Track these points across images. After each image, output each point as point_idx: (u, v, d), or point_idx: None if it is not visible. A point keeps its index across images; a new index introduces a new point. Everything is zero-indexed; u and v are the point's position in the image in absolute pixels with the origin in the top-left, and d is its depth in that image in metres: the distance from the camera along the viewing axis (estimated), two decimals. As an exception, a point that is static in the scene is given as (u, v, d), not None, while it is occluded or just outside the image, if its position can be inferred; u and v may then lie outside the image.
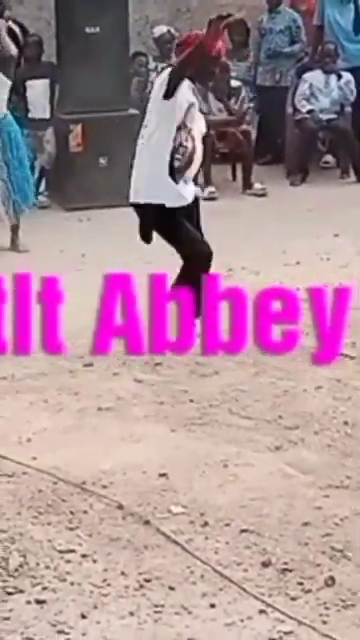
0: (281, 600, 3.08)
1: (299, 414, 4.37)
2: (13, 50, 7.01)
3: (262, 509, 3.58)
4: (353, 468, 3.90)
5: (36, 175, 8.56)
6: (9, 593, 3.12)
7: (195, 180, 5.36)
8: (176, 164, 5.10)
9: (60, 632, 2.95)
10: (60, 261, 6.77)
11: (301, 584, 3.16)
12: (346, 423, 4.28)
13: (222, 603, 3.07)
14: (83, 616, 3.01)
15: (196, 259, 5.15)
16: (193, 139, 5.15)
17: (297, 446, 4.10)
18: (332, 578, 3.17)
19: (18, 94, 8.43)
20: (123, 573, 3.22)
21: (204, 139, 8.70)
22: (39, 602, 3.08)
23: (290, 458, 3.99)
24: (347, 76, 9.53)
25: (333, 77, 9.53)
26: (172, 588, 3.15)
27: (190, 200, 5.18)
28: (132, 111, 8.16)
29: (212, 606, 3.06)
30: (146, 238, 5.17)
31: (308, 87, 9.53)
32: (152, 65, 9.25)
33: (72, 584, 3.17)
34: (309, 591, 3.12)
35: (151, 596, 3.11)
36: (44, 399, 4.58)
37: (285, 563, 3.26)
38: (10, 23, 6.93)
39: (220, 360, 4.98)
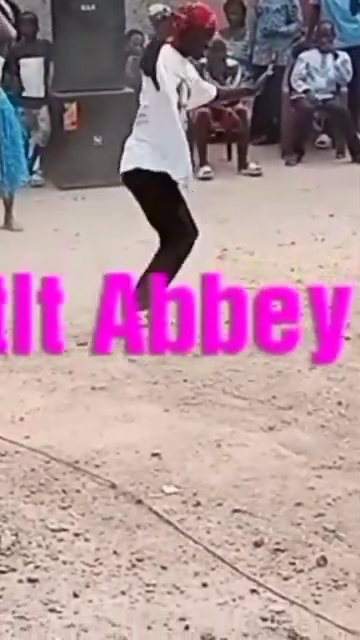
0: (273, 580, 3.08)
1: (293, 394, 4.37)
2: (12, 32, 6.94)
3: (255, 489, 3.58)
4: (346, 449, 3.90)
5: (30, 154, 8.52)
6: (1, 572, 3.12)
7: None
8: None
9: (52, 611, 2.94)
10: (54, 240, 6.75)
11: (293, 564, 3.16)
12: (340, 403, 4.28)
13: (214, 583, 3.07)
14: (75, 595, 3.01)
15: (184, 236, 5.11)
16: (183, 116, 5.14)
17: (290, 426, 4.10)
18: (324, 558, 3.17)
19: (12, 72, 8.39)
20: (115, 552, 3.22)
21: (199, 117, 8.72)
22: (31, 581, 3.08)
23: (283, 438, 3.98)
24: (343, 56, 9.49)
25: (329, 57, 9.50)
26: (164, 567, 3.15)
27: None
28: (127, 90, 8.11)
29: (204, 585, 3.06)
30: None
31: (304, 67, 9.50)
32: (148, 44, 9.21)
33: (64, 563, 3.17)
34: (301, 571, 3.12)
35: (143, 575, 3.11)
36: (38, 378, 4.57)
37: (277, 543, 3.26)
38: (2, 2, 6.85)
39: (214, 340, 4.98)
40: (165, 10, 9.25)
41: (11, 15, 7.01)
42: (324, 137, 9.80)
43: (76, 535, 3.32)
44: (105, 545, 3.26)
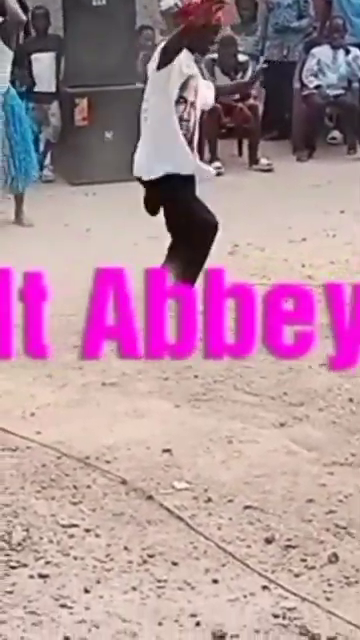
0: (284, 576, 3.08)
1: (304, 391, 4.36)
2: (22, 16, 6.89)
3: (266, 485, 3.57)
4: (358, 445, 3.88)
5: (41, 149, 8.53)
6: (12, 567, 3.12)
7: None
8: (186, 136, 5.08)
9: (63, 606, 2.94)
10: (65, 235, 6.75)
11: (304, 561, 3.15)
12: (351, 400, 4.27)
13: (225, 579, 3.07)
14: (86, 590, 3.01)
15: (205, 228, 5.10)
16: (195, 112, 5.12)
17: (302, 423, 4.09)
18: (335, 555, 3.16)
19: (23, 67, 8.39)
20: (126, 548, 3.22)
21: (210, 113, 8.72)
22: (42, 576, 3.08)
23: (294, 435, 3.98)
24: (355, 51, 9.46)
25: (341, 52, 9.47)
26: (175, 563, 3.14)
27: (202, 174, 5.16)
28: (138, 85, 8.06)
29: (215, 582, 3.06)
30: (153, 211, 5.14)
31: (316, 62, 9.47)
32: (159, 39, 9.19)
33: (75, 558, 3.17)
34: (312, 568, 3.12)
35: (154, 571, 3.10)
36: (48, 374, 4.57)
37: (288, 540, 3.25)
38: None
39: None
40: (176, 5, 9.24)
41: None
42: (335, 133, 9.77)
43: (87, 531, 3.32)
44: (116, 541, 3.26)
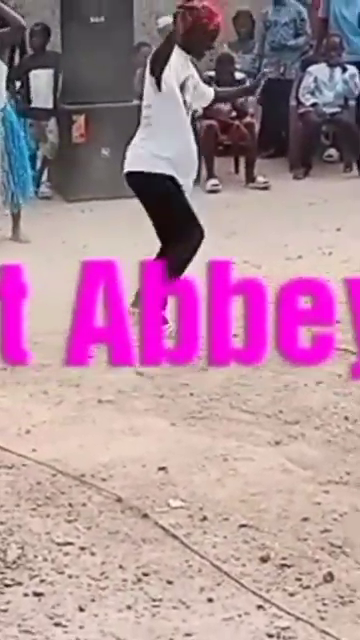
0: (279, 595, 3.07)
1: (300, 409, 4.36)
2: (22, 21, 6.86)
3: (261, 504, 3.57)
4: (353, 464, 3.88)
5: (38, 165, 8.55)
6: (7, 585, 3.11)
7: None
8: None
9: (57, 625, 2.94)
10: (62, 252, 6.76)
11: (299, 580, 3.15)
12: (347, 418, 4.27)
13: (220, 598, 3.06)
14: (81, 609, 3.00)
15: (194, 233, 5.12)
16: (190, 112, 5.18)
17: (297, 441, 4.09)
18: (331, 574, 3.16)
19: (21, 83, 8.43)
20: (121, 566, 3.22)
21: (207, 130, 8.74)
22: (37, 594, 3.07)
23: (290, 453, 3.97)
24: (352, 69, 9.51)
25: (338, 70, 9.52)
26: (170, 582, 3.14)
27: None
28: (135, 102, 8.12)
29: (210, 601, 3.05)
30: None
31: (313, 80, 9.52)
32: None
33: (70, 577, 3.17)
34: (307, 587, 3.11)
35: (149, 590, 3.10)
36: (44, 390, 4.57)
37: (284, 558, 3.25)
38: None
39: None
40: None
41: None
42: (332, 151, 9.81)
43: (82, 549, 3.31)
44: (111, 559, 3.26)
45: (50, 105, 8.83)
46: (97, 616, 2.98)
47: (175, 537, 3.36)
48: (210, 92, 5.47)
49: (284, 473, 3.81)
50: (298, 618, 2.95)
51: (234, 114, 9.04)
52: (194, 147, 5.17)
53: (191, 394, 4.51)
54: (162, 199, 5.10)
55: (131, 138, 5.30)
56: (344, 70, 9.51)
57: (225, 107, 8.94)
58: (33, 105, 8.77)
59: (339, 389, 4.57)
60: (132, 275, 5.35)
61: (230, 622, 2.95)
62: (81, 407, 4.39)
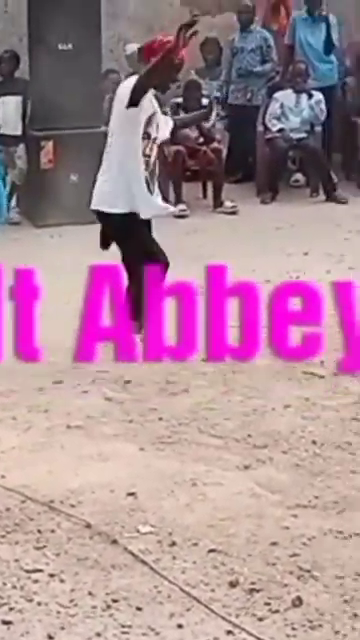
0: (248, 620, 3.08)
1: (268, 433, 4.38)
2: None
3: (230, 529, 3.58)
4: (321, 488, 3.91)
5: (7, 191, 8.56)
6: (-25, 614, 3.10)
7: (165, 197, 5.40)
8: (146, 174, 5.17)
9: (26, 653, 2.93)
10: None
11: (268, 604, 3.16)
12: (314, 442, 4.30)
13: (189, 624, 3.06)
14: (50, 637, 3.00)
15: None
16: (155, 148, 5.22)
17: (266, 465, 4.11)
18: (299, 598, 3.17)
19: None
20: (90, 593, 3.21)
21: (174, 156, 8.81)
22: (5, 623, 3.06)
23: (259, 477, 3.99)
24: (318, 96, 9.61)
25: (304, 96, 9.61)
26: (139, 608, 3.14)
27: (161, 211, 5.26)
28: (104, 128, 8.16)
29: (179, 627, 3.05)
30: (106, 245, 5.23)
31: (279, 106, 9.61)
32: (124, 82, 9.29)
33: (39, 604, 3.16)
34: (276, 611, 3.12)
35: (118, 616, 3.10)
36: (13, 416, 4.56)
37: (253, 583, 3.26)
38: None
39: (190, 378, 4.99)
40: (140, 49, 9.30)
41: None
42: (298, 176, 9.90)
43: (51, 576, 3.31)
44: (80, 586, 3.25)
45: (19, 132, 8.85)
46: (66, 643, 2.97)
47: (144, 563, 3.36)
48: (169, 122, 5.55)
49: (253, 497, 3.83)
50: (267, 643, 2.96)
51: (201, 140, 9.11)
52: (142, 177, 5.18)
53: (160, 419, 4.53)
54: (121, 235, 5.17)
55: (99, 164, 5.34)
56: (310, 96, 9.60)
57: (192, 133, 9.00)
58: (2, 132, 8.78)
59: (307, 413, 4.60)
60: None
61: (200, 648, 2.96)
62: (50, 433, 4.39)
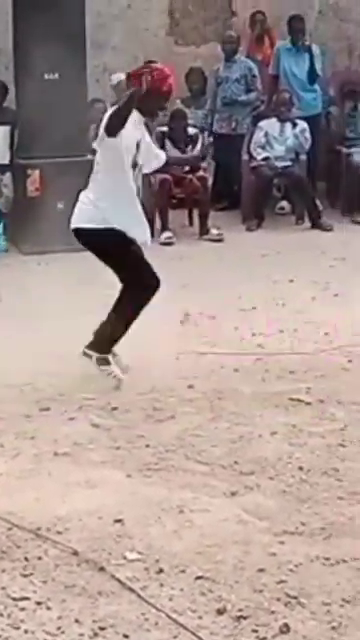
0: (236, 647, 3.08)
1: (255, 459, 4.39)
2: None
3: (217, 555, 3.58)
4: (308, 514, 3.91)
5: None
6: None
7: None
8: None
9: None
10: (18, 305, 6.76)
11: (256, 631, 3.15)
12: (301, 469, 4.30)
13: (177, 651, 3.06)
14: (37, 665, 2.99)
15: (142, 283, 5.18)
16: (141, 175, 5.27)
17: (253, 492, 4.11)
18: (287, 625, 3.17)
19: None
20: (77, 621, 3.20)
21: (161, 184, 8.87)
22: (-8, 651, 3.05)
23: (246, 504, 3.99)
24: (302, 124, 9.69)
25: (288, 125, 9.69)
26: (126, 636, 3.13)
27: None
28: (90, 157, 8.20)
29: (167, 654, 3.05)
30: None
31: (264, 135, 9.68)
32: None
33: (26, 632, 3.15)
34: (264, 638, 3.12)
35: (106, 644, 3.09)
36: (0, 443, 4.55)
37: (240, 610, 3.26)
38: None
39: (176, 405, 5.00)
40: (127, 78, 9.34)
41: None
42: (284, 203, 9.95)
43: (38, 603, 3.29)
44: (67, 613, 3.24)
45: (6, 160, 8.88)
46: (53, 672, 2.96)
47: (132, 590, 3.36)
48: (162, 156, 5.60)
49: (240, 524, 3.83)
50: (255, 669, 2.96)
51: (187, 168, 9.16)
52: (135, 203, 5.22)
53: (147, 446, 4.53)
54: (104, 251, 5.20)
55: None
56: (294, 125, 9.68)
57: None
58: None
59: (294, 439, 4.61)
60: (89, 325, 5.41)
61: (187, 675, 2.95)
62: (37, 460, 4.38)
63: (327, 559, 3.56)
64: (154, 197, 8.72)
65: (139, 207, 5.24)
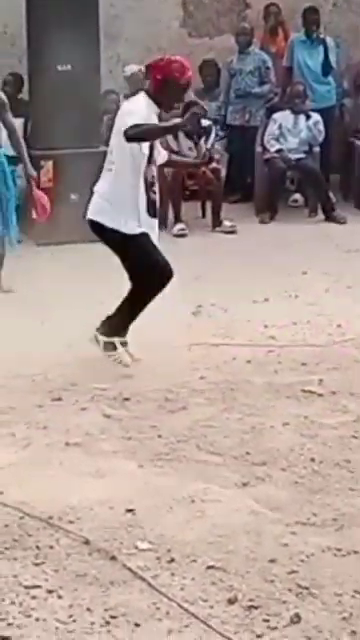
0: (247, 637, 3.08)
1: (266, 450, 4.39)
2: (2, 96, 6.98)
3: (229, 545, 3.58)
4: (320, 505, 3.91)
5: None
6: (-27, 629, 3.10)
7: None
8: (152, 197, 5.20)
9: (25, 669, 2.92)
10: (31, 295, 6.77)
11: (267, 621, 3.15)
12: (313, 460, 4.30)
13: (188, 640, 3.06)
14: (48, 653, 2.99)
15: (153, 276, 5.20)
16: (156, 170, 5.28)
17: (264, 482, 4.11)
18: (298, 615, 3.16)
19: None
20: (89, 609, 3.21)
21: (174, 176, 8.87)
22: (4, 638, 3.05)
23: (257, 494, 3.99)
24: (315, 117, 9.66)
25: (302, 117, 9.66)
26: (138, 625, 3.13)
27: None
28: (103, 148, 8.20)
29: (178, 643, 3.05)
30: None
31: (277, 127, 9.66)
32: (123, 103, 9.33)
33: (37, 620, 3.15)
34: (275, 628, 3.12)
35: (116, 633, 3.09)
36: (12, 433, 4.56)
37: (251, 600, 3.26)
38: None
39: (188, 396, 5.00)
40: (140, 71, 9.42)
41: None
42: (297, 196, 9.93)
43: (49, 592, 3.30)
44: (79, 602, 3.25)
45: (20, 152, 8.87)
46: (65, 659, 2.97)
47: (143, 579, 3.36)
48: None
49: (251, 515, 3.83)
50: (266, 659, 2.96)
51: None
52: (142, 200, 5.23)
53: (159, 436, 4.53)
54: (119, 245, 5.20)
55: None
56: (308, 117, 9.65)
57: (191, 154, 9.04)
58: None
59: (305, 431, 4.60)
60: (102, 315, 5.42)
61: (198, 664, 2.95)
62: (49, 450, 4.39)
63: (339, 550, 3.55)
64: (167, 189, 8.71)
65: (150, 200, 5.23)
